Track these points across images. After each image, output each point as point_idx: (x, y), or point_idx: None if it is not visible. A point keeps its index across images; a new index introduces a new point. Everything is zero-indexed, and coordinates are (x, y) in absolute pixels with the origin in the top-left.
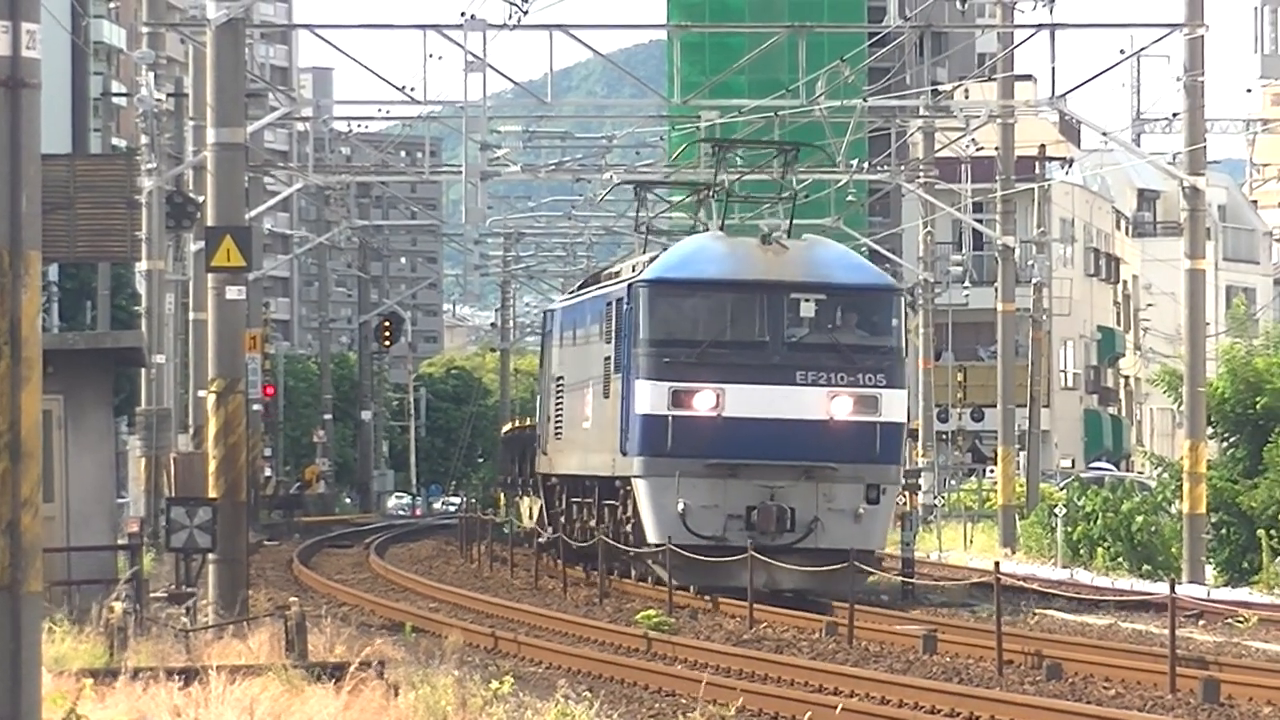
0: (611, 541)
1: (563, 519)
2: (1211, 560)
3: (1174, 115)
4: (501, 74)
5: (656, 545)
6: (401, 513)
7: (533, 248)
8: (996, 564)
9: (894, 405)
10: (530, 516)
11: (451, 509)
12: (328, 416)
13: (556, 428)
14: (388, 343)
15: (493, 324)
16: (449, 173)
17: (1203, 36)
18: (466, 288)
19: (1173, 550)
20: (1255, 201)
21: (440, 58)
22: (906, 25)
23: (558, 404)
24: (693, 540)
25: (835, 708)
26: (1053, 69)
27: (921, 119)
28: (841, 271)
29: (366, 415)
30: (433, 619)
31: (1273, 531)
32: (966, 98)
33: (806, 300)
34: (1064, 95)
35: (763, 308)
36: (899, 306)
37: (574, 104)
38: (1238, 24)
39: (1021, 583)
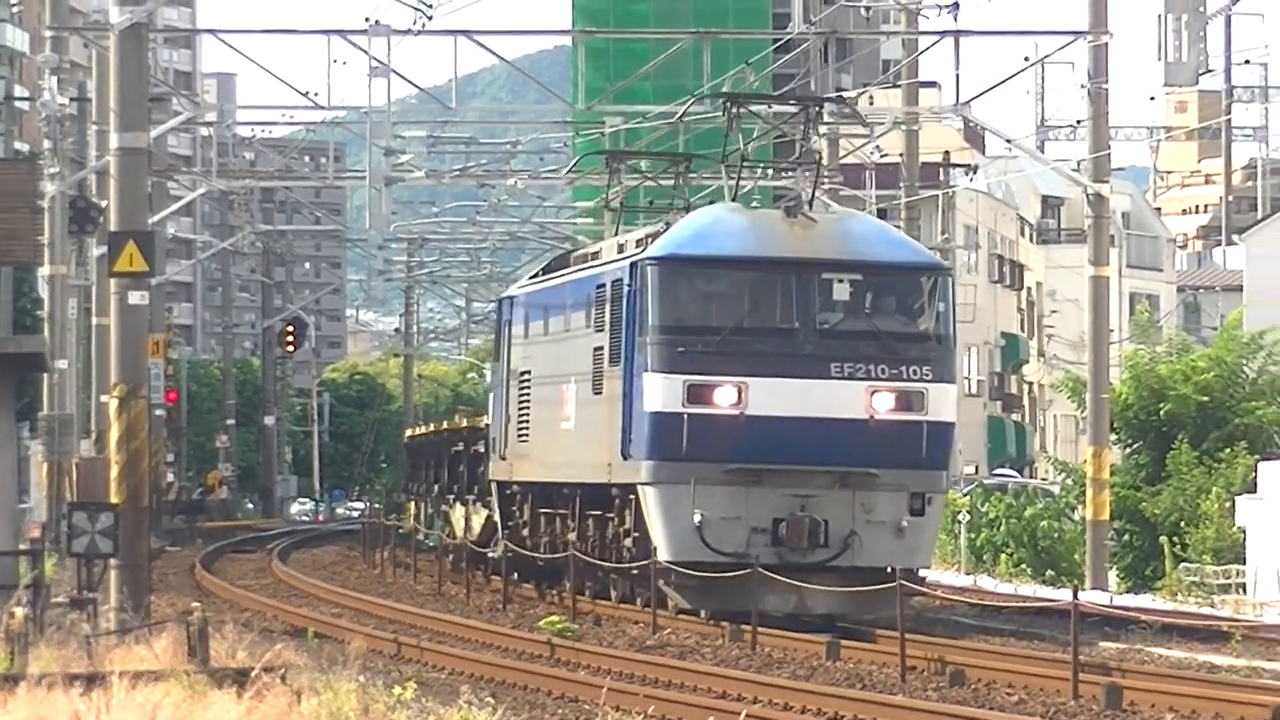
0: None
1: (525, 532)
2: (1114, 566)
3: (1078, 122)
4: (406, 79)
5: (668, 563)
6: (304, 518)
7: (436, 253)
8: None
9: (942, 402)
10: (467, 528)
11: (355, 514)
12: (231, 422)
13: (521, 429)
14: (291, 348)
15: (396, 329)
16: (353, 178)
17: (1106, 44)
18: (370, 293)
19: (1076, 556)
20: (1159, 209)
21: (344, 63)
22: (811, 31)
23: (523, 403)
24: (710, 557)
25: (739, 714)
26: (957, 76)
27: (826, 125)
28: (880, 247)
29: (270, 420)
30: (336, 624)
31: (1175, 538)
32: (871, 104)
33: (840, 281)
34: (968, 102)
35: (791, 289)
36: (947, 288)
37: (478, 109)
38: (1141, 31)
39: (923, 589)
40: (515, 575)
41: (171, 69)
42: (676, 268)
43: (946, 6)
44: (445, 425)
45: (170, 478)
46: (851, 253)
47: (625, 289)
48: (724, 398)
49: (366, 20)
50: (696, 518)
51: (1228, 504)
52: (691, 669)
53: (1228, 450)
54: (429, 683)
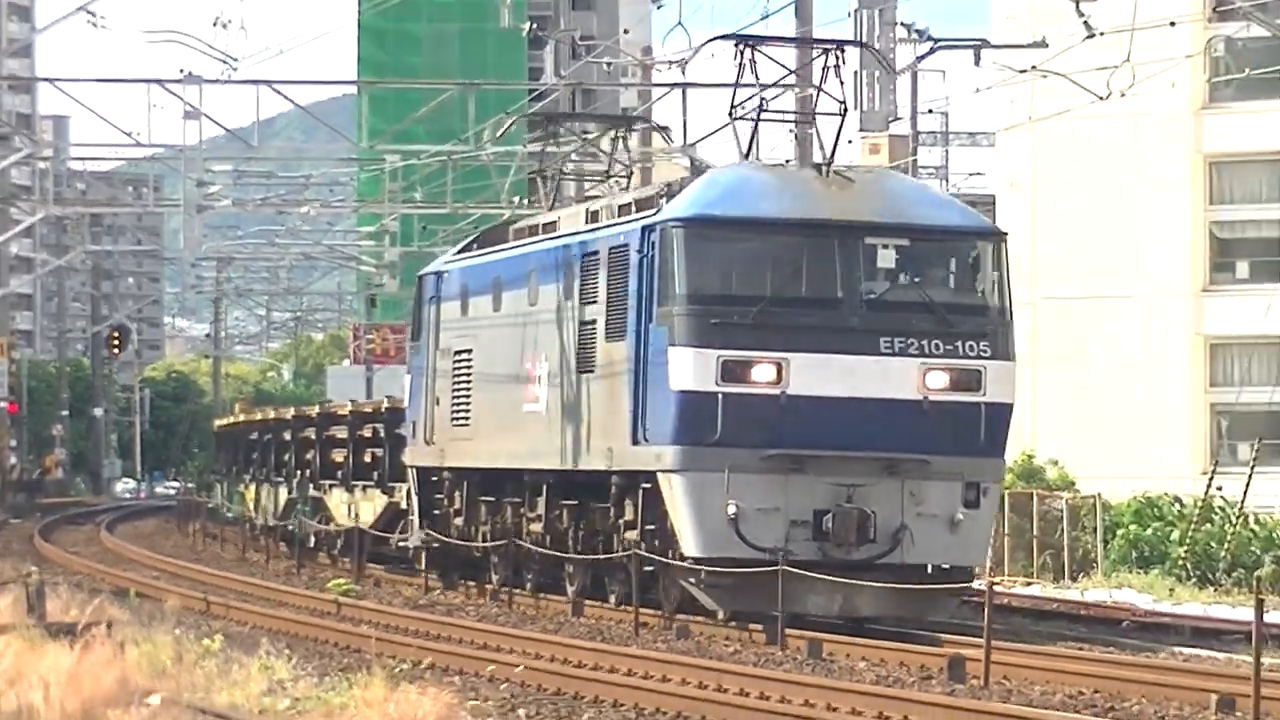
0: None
1: (458, 521)
2: None
3: (787, 161)
4: (215, 121)
5: (697, 560)
6: (128, 495)
7: (241, 270)
8: (639, 543)
9: (1002, 381)
10: (352, 515)
11: (172, 492)
12: (65, 413)
13: (458, 413)
14: (116, 350)
15: (207, 335)
16: (169, 205)
17: (811, 94)
18: (184, 304)
19: None
20: None
21: (162, 108)
22: (560, 83)
23: (460, 385)
24: (746, 553)
25: (494, 664)
26: (684, 121)
27: (573, 164)
28: (926, 209)
29: (98, 412)
30: (155, 586)
31: None
32: (613, 146)
33: (885, 246)
34: (694, 144)
35: (832, 255)
36: (1002, 255)
37: (277, 147)
38: (841, 85)
39: (654, 556)
40: (424, 564)
41: (14, 111)
42: (707, 230)
43: (675, 62)
44: (316, 409)
45: (13, 461)
46: (896, 215)
47: (635, 256)
48: (762, 375)
49: (181, 71)
50: (731, 509)
51: None
52: (458, 624)
53: None
54: (234, 636)
